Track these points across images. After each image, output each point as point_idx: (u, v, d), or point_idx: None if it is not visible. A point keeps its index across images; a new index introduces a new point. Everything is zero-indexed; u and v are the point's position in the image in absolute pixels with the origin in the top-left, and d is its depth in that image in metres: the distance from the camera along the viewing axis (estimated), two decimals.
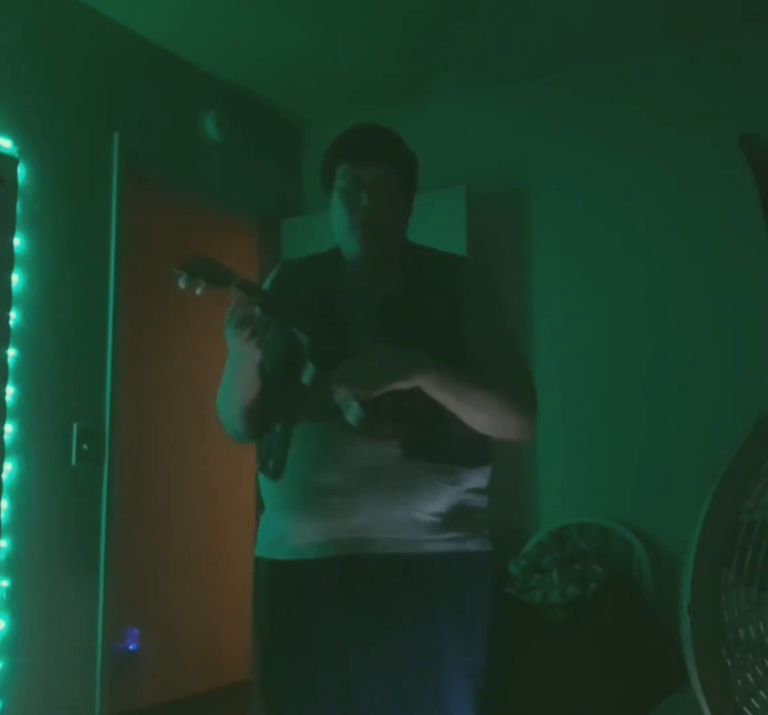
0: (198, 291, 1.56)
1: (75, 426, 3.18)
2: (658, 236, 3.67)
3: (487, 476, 1.75)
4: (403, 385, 1.58)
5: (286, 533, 1.70)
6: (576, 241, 3.85)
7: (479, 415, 1.67)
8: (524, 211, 3.95)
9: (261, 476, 1.77)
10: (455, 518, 1.67)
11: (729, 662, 1.30)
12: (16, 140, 3.07)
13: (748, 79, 3.52)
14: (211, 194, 4.05)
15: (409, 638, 1.63)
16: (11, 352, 2.99)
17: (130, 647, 4.32)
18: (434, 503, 1.65)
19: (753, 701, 1.30)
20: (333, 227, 1.80)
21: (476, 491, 1.72)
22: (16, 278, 3.04)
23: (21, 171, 3.08)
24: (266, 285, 1.86)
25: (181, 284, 1.56)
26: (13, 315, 3.01)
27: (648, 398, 3.62)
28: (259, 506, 4.19)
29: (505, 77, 3.93)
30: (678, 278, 3.62)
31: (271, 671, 1.74)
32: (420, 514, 1.64)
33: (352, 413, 1.58)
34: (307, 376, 1.64)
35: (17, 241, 3.05)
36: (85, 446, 3.19)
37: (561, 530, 3.64)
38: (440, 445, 1.66)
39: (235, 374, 1.73)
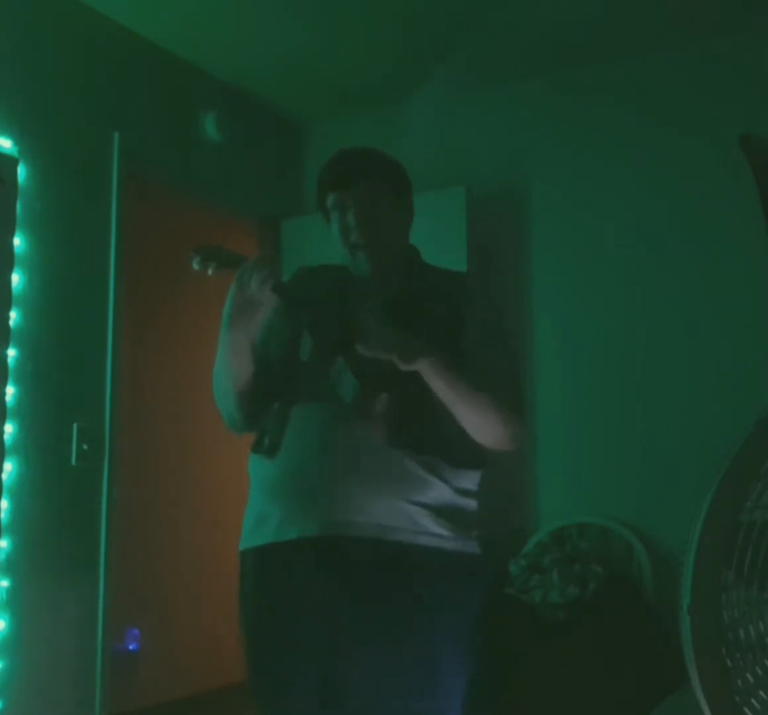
0: (210, 271, 1.66)
1: (75, 426, 3.18)
2: (657, 236, 3.67)
3: (475, 479, 1.76)
4: (407, 360, 1.61)
5: (268, 515, 1.72)
6: (576, 240, 3.85)
7: (469, 413, 1.69)
8: (524, 211, 3.95)
9: (251, 459, 1.79)
10: (440, 515, 1.68)
11: (729, 662, 1.30)
12: (16, 140, 3.07)
13: (748, 79, 3.52)
14: (211, 194, 4.05)
15: (386, 626, 1.63)
16: (11, 353, 2.99)
17: (130, 647, 4.31)
18: (418, 495, 1.66)
19: (753, 701, 1.30)
20: (340, 251, 1.88)
21: (464, 491, 1.73)
22: (16, 278, 3.04)
23: (21, 171, 3.08)
24: None
25: (195, 266, 1.66)
26: (13, 315, 3.01)
27: (648, 397, 3.62)
28: None
29: (505, 77, 3.94)
30: (678, 278, 3.62)
31: (254, 654, 1.76)
32: (403, 503, 1.65)
33: (348, 387, 1.60)
34: (305, 352, 1.67)
35: (17, 241, 3.05)
36: (85, 446, 3.19)
37: (561, 530, 3.64)
38: (429, 438, 1.68)
39: (229, 348, 1.75)
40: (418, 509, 1.66)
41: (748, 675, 1.31)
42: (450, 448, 1.70)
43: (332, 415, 1.66)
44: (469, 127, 4.07)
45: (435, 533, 1.67)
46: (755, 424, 1.35)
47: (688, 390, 3.54)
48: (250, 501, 1.81)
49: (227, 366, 1.78)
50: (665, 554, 3.45)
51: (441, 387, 1.65)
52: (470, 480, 1.75)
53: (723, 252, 3.52)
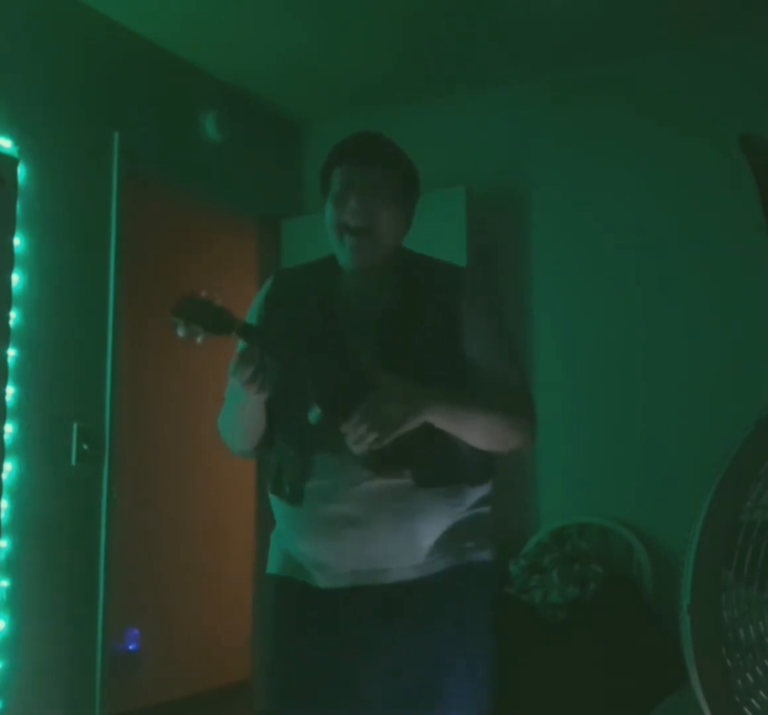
0: (198, 340, 1.53)
1: (75, 426, 3.18)
2: (657, 236, 3.67)
3: (490, 486, 1.77)
4: (413, 425, 1.57)
5: (302, 560, 1.70)
6: (575, 241, 3.85)
7: (483, 437, 1.68)
8: (524, 211, 3.95)
9: (273, 497, 1.77)
10: (466, 531, 1.69)
11: (729, 662, 1.30)
12: (16, 140, 3.07)
13: (748, 79, 3.52)
14: (211, 194, 4.05)
15: (428, 662, 1.63)
16: (11, 353, 2.99)
17: (130, 647, 4.32)
18: (446, 523, 1.67)
19: (753, 701, 1.30)
20: (328, 234, 1.75)
21: (482, 502, 1.73)
22: (16, 278, 3.04)
23: (21, 171, 3.07)
24: (261, 297, 1.83)
25: (179, 333, 1.51)
26: (13, 315, 3.01)
27: (648, 397, 3.62)
28: (259, 505, 4.16)
29: (505, 77, 3.93)
30: (677, 278, 3.62)
31: (280, 696, 1.72)
32: (433, 537, 1.65)
33: (361, 458, 1.58)
34: (313, 417, 1.63)
35: (17, 241, 3.05)
36: (85, 446, 3.19)
37: (561, 530, 3.64)
38: (448, 471, 1.67)
39: (239, 406, 1.72)
40: (448, 536, 1.66)
41: (748, 675, 1.31)
42: (469, 470, 1.70)
43: (355, 463, 1.60)
44: (469, 128, 4.07)
45: (463, 547, 1.69)
46: (755, 424, 1.35)
47: (688, 390, 3.53)
48: (279, 531, 1.78)
49: (236, 416, 1.75)
50: (665, 554, 3.45)
51: (452, 427, 1.63)
52: (487, 488, 1.75)
53: (723, 252, 3.51)
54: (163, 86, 3.76)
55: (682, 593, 1.30)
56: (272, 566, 1.78)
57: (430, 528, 1.65)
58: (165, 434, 4.55)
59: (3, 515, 2.90)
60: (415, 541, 1.64)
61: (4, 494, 2.92)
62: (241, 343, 1.58)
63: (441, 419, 1.60)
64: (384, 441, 1.53)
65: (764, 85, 3.47)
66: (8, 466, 2.94)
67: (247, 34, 3.61)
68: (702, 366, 3.52)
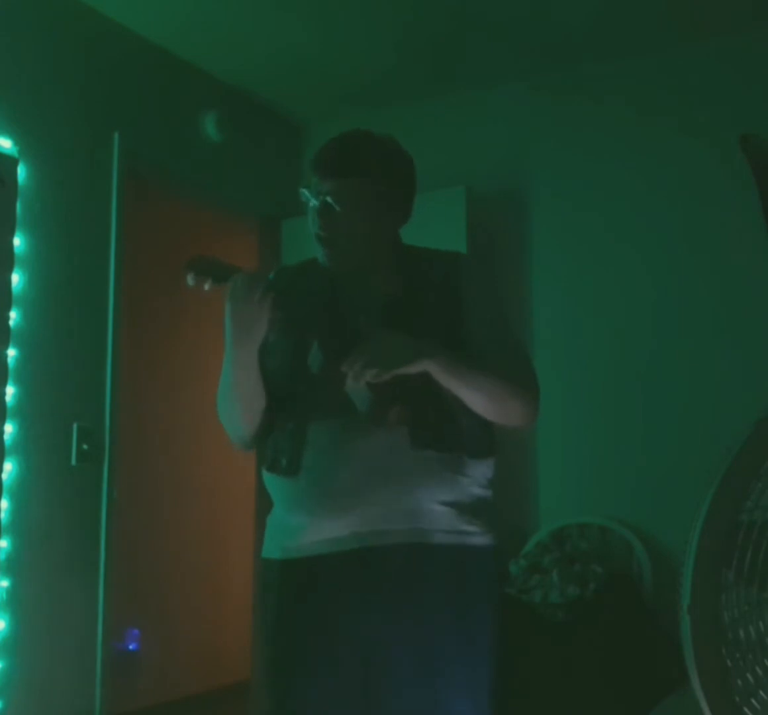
0: (206, 287, 1.63)
1: (75, 426, 3.18)
2: (657, 236, 3.67)
3: (492, 467, 1.77)
4: (413, 368, 1.59)
5: (302, 530, 1.70)
6: (576, 240, 3.85)
7: (484, 400, 1.68)
8: (524, 211, 3.95)
9: (269, 475, 1.77)
10: (467, 511, 1.69)
11: (729, 662, 1.30)
12: (16, 140, 3.07)
13: (748, 79, 3.52)
14: (211, 194, 4.05)
15: (428, 628, 1.64)
16: (11, 353, 2.99)
17: (130, 647, 4.31)
18: (446, 494, 1.67)
19: (753, 701, 1.30)
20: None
21: (483, 482, 1.74)
22: (16, 278, 3.04)
23: (21, 171, 3.08)
24: None
25: (189, 282, 1.63)
26: (13, 315, 3.01)
27: (648, 397, 3.62)
28: (259, 505, 4.17)
29: (505, 77, 3.94)
30: (677, 278, 3.62)
31: (285, 669, 1.71)
32: (433, 504, 1.66)
33: (361, 397, 1.59)
34: (316, 364, 1.65)
35: (17, 241, 3.05)
36: (85, 446, 3.19)
37: (561, 530, 3.64)
38: (447, 434, 1.67)
39: (235, 365, 1.72)
40: (447, 509, 1.67)
41: (748, 675, 1.31)
42: (468, 440, 1.70)
43: (350, 426, 1.64)
44: (468, 128, 4.07)
45: (465, 530, 1.69)
46: (755, 424, 1.35)
47: (688, 390, 3.53)
48: (277, 512, 1.78)
49: (236, 386, 1.74)
50: (665, 554, 3.45)
51: (452, 382, 1.64)
52: (489, 468, 1.76)
53: (723, 250, 3.51)
54: (163, 86, 3.76)
55: (682, 593, 1.30)
56: (269, 550, 1.77)
57: (429, 494, 1.65)
58: (165, 433, 4.55)
59: (3, 515, 2.91)
60: (415, 503, 1.65)
61: (4, 494, 2.92)
62: None
63: (440, 371, 1.61)
64: (383, 375, 1.55)
65: (764, 85, 3.47)
66: (8, 466, 2.94)
67: (248, 34, 3.61)
68: (702, 366, 3.52)
